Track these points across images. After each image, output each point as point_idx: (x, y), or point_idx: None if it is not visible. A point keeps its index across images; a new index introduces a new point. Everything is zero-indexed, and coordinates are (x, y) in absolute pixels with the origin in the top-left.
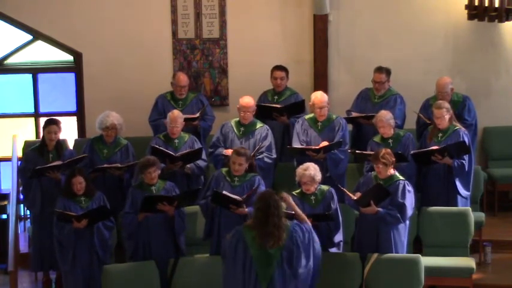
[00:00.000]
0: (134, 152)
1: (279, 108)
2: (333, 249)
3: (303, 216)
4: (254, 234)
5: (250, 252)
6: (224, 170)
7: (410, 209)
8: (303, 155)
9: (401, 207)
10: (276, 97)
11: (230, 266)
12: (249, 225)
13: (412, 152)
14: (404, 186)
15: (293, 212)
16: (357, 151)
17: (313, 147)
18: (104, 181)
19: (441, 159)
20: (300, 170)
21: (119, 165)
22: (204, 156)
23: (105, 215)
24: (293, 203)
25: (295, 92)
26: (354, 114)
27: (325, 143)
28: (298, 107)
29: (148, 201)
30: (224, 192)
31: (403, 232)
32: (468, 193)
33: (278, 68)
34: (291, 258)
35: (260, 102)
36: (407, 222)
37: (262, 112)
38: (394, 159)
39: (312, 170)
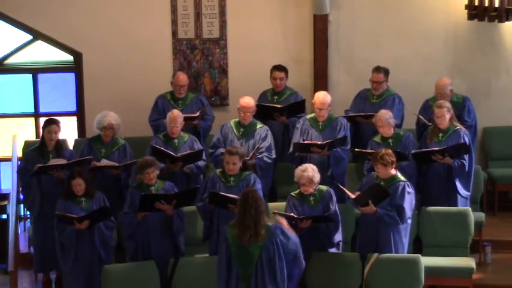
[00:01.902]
0: (132, 152)
1: (280, 108)
2: (333, 250)
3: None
4: (235, 232)
5: (231, 250)
6: (219, 171)
7: (409, 211)
8: (307, 152)
9: (400, 209)
10: (275, 97)
11: (218, 265)
12: (232, 224)
13: (412, 151)
14: (404, 188)
15: (292, 215)
16: (356, 149)
17: (318, 142)
18: (101, 180)
19: (442, 159)
20: (298, 171)
21: (116, 164)
22: (203, 156)
23: (106, 215)
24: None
25: (295, 92)
26: (352, 114)
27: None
28: (298, 107)
29: (146, 200)
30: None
31: (403, 233)
32: (468, 193)
33: (277, 68)
34: (271, 259)
35: (260, 102)
36: (409, 222)
37: (263, 112)
38: (393, 159)
39: (310, 171)
